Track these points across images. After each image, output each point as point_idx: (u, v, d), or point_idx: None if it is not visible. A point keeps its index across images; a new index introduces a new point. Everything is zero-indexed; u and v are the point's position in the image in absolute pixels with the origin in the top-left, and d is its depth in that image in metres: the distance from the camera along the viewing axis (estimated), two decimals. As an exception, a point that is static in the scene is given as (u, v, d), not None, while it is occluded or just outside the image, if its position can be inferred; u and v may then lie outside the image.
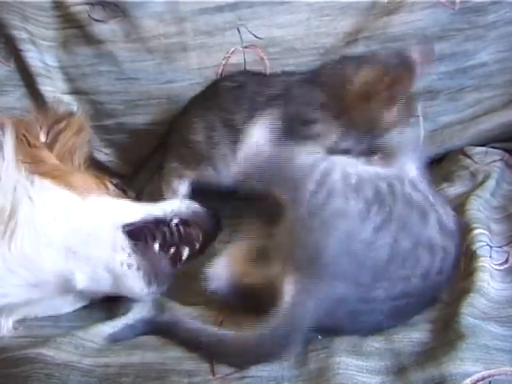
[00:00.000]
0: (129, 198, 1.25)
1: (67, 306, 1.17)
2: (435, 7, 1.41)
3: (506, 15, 1.43)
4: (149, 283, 1.13)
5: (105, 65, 1.46)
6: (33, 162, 1.13)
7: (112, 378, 0.96)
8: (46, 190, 1.10)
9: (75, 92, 1.47)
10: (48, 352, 1.00)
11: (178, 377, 0.95)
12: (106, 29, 1.44)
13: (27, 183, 1.09)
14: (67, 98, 1.48)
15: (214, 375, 0.95)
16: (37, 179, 1.11)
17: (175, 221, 1.19)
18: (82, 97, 1.47)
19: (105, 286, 1.13)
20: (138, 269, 1.12)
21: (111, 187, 1.23)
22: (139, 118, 1.49)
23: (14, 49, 1.46)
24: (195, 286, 1.11)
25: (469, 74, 1.46)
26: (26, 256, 1.07)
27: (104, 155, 1.53)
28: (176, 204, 1.22)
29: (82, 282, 1.11)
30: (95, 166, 1.37)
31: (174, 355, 1.00)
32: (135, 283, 1.13)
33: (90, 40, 1.45)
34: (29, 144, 1.16)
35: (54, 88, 1.47)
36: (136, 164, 1.55)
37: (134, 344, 1.05)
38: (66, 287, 1.11)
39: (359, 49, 1.42)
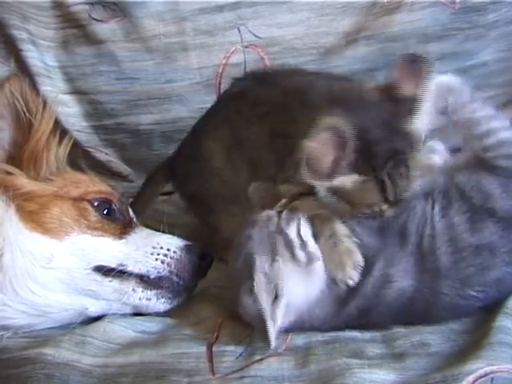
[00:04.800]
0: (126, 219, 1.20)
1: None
2: (435, 6, 1.41)
3: (506, 15, 1.43)
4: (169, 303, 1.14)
5: (105, 64, 1.47)
6: (7, 192, 1.08)
7: (111, 378, 0.96)
8: (24, 237, 1.07)
9: (75, 92, 1.47)
10: (48, 351, 0.99)
11: (178, 376, 0.94)
12: (106, 28, 1.45)
13: (8, 223, 1.06)
14: (67, 98, 1.47)
15: (213, 374, 0.94)
16: (14, 220, 1.07)
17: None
18: (81, 97, 1.47)
19: (123, 310, 1.13)
20: (157, 298, 1.13)
21: (92, 216, 1.14)
22: (139, 118, 1.49)
23: (14, 49, 1.47)
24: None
25: (469, 74, 1.46)
26: (23, 298, 1.06)
27: (104, 155, 1.52)
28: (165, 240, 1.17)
29: (96, 312, 1.11)
30: (95, 167, 1.35)
31: (172, 352, 0.99)
32: (155, 308, 1.13)
33: (90, 40, 1.46)
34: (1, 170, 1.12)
35: (53, 88, 1.47)
36: (136, 164, 1.55)
37: (133, 342, 1.04)
38: (77, 316, 1.10)
39: (360, 49, 1.42)
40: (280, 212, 1.03)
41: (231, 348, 1.00)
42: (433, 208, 1.03)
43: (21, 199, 1.09)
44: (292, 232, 1.00)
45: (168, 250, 1.14)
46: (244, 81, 1.24)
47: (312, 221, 1.03)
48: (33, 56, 1.46)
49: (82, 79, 1.47)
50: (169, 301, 1.14)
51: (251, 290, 0.97)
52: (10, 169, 1.12)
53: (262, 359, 0.96)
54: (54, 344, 1.01)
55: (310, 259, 0.99)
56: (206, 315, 1.11)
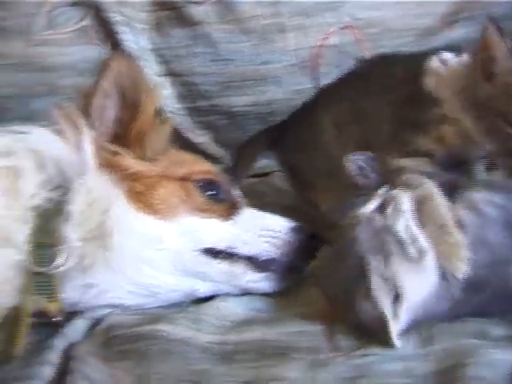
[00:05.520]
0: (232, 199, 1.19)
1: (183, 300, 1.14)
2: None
3: None
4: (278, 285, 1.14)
5: (200, 46, 1.47)
6: (115, 172, 1.08)
7: (230, 355, 0.96)
8: (133, 218, 1.07)
9: (169, 74, 1.48)
10: (163, 327, 1.00)
11: (299, 354, 0.94)
12: (202, 10, 1.45)
13: (117, 204, 1.06)
14: (161, 80, 1.47)
15: (335, 352, 0.94)
16: (122, 201, 1.07)
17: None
18: (175, 78, 1.48)
19: (231, 291, 1.13)
20: (267, 280, 1.13)
21: (198, 197, 1.14)
22: (234, 100, 1.49)
23: (110, 31, 1.48)
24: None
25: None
26: (132, 279, 1.07)
27: (198, 137, 1.53)
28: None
29: (204, 293, 1.12)
30: (188, 148, 1.33)
31: (289, 331, 0.99)
32: (265, 289, 1.13)
33: (185, 22, 1.46)
34: (108, 150, 1.11)
35: (148, 70, 1.47)
36: (230, 146, 1.55)
37: (247, 320, 1.05)
38: (185, 296, 1.12)
39: (458, 30, 1.40)
40: (382, 208, 1.00)
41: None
42: None
43: (129, 180, 1.09)
44: (401, 228, 0.97)
45: (277, 231, 1.13)
46: (371, 62, 1.26)
47: (418, 212, 1.00)
48: (128, 38, 1.47)
49: (176, 61, 1.48)
50: (278, 283, 1.13)
51: (368, 294, 0.95)
52: (117, 149, 1.12)
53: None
54: (169, 321, 1.02)
55: (422, 254, 0.96)
56: (315, 296, 1.09)
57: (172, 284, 1.10)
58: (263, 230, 1.13)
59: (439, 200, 1.00)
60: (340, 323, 0.99)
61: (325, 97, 1.28)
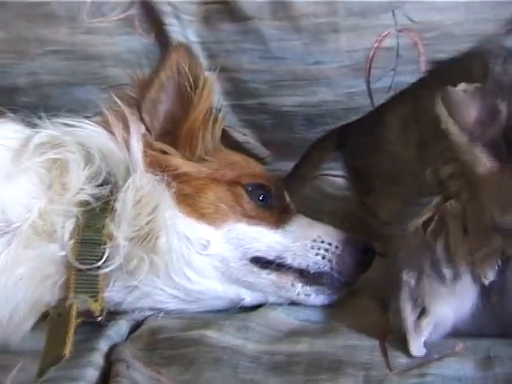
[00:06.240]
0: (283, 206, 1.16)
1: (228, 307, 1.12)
2: None
3: None
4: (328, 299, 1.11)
5: (249, 42, 1.43)
6: (163, 172, 1.06)
7: (281, 366, 0.93)
8: (180, 221, 1.05)
9: (215, 69, 1.44)
10: (212, 334, 0.98)
11: (353, 369, 0.91)
12: (254, 5, 1.41)
13: (164, 205, 1.03)
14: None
15: (390, 370, 0.91)
16: (170, 202, 1.04)
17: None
18: (222, 74, 1.43)
19: (279, 302, 1.10)
20: (317, 294, 1.10)
21: (247, 203, 1.11)
22: (283, 100, 1.45)
23: (156, 22, 1.44)
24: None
25: None
26: (177, 283, 1.05)
27: (242, 136, 1.50)
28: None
29: (251, 302, 1.09)
30: (231, 147, 1.29)
31: (343, 344, 0.96)
32: (314, 303, 1.11)
33: (235, 16, 1.42)
34: (156, 148, 1.10)
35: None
36: (275, 147, 1.52)
37: (297, 330, 1.02)
38: (231, 304, 1.10)
39: (514, 39, 1.36)
40: (428, 221, 0.96)
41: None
42: None
43: (177, 181, 1.06)
44: (439, 247, 0.93)
45: (329, 244, 1.10)
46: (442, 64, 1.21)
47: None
48: (175, 30, 1.43)
49: (223, 56, 1.44)
50: (328, 297, 1.10)
51: (397, 302, 0.94)
52: (166, 148, 1.10)
53: (440, 358, 0.92)
54: (217, 327, 1.00)
55: (457, 275, 0.93)
56: (369, 308, 1.07)
57: (217, 291, 1.08)
58: (315, 242, 1.10)
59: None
60: (396, 338, 0.96)
61: (393, 96, 1.25)
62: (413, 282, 0.94)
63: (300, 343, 0.97)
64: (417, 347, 0.92)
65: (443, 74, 1.13)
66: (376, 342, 0.96)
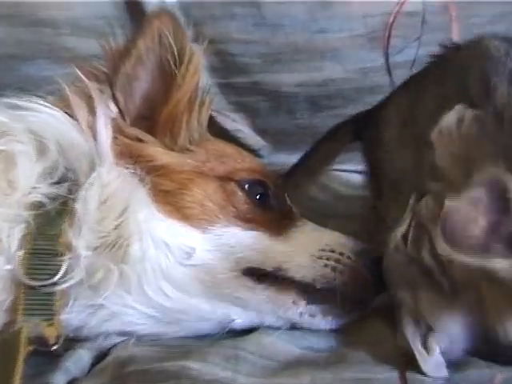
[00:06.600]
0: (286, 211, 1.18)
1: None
2: None
3: None
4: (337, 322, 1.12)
5: (239, 6, 1.44)
6: (138, 164, 1.07)
7: (278, 405, 0.93)
8: (158, 223, 1.05)
9: (198, 39, 1.45)
10: (193, 365, 0.98)
11: (366, 409, 0.91)
12: (244, -39, 1.42)
13: (138, 204, 1.04)
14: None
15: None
16: (146, 201, 1.06)
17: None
18: (207, 46, 1.45)
19: (278, 325, 1.10)
20: (324, 315, 1.10)
21: (242, 203, 1.12)
22: (281, 77, 1.47)
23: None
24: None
25: None
26: (152, 300, 1.06)
27: (231, 122, 1.51)
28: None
29: (242, 325, 1.10)
30: (218, 136, 1.29)
31: (354, 377, 0.97)
32: (320, 326, 1.11)
33: (223, -27, 1.43)
34: (130, 135, 1.10)
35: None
36: (272, 135, 1.53)
37: (299, 360, 1.03)
38: (218, 327, 1.10)
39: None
40: (406, 233, 0.98)
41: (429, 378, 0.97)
42: None
43: (154, 174, 1.07)
44: (426, 256, 0.94)
45: (341, 254, 1.11)
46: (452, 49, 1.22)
47: None
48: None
49: (208, 23, 1.45)
50: (337, 319, 1.11)
51: (400, 322, 0.98)
52: (142, 135, 1.11)
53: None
54: (200, 357, 1.00)
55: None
56: (385, 333, 1.07)
57: (201, 310, 1.08)
58: (323, 251, 1.11)
59: None
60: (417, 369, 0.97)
61: (401, 85, 1.26)
62: (408, 299, 0.97)
63: (301, 376, 0.98)
64: (431, 367, 0.94)
65: (439, 77, 1.16)
66: (395, 374, 0.97)
